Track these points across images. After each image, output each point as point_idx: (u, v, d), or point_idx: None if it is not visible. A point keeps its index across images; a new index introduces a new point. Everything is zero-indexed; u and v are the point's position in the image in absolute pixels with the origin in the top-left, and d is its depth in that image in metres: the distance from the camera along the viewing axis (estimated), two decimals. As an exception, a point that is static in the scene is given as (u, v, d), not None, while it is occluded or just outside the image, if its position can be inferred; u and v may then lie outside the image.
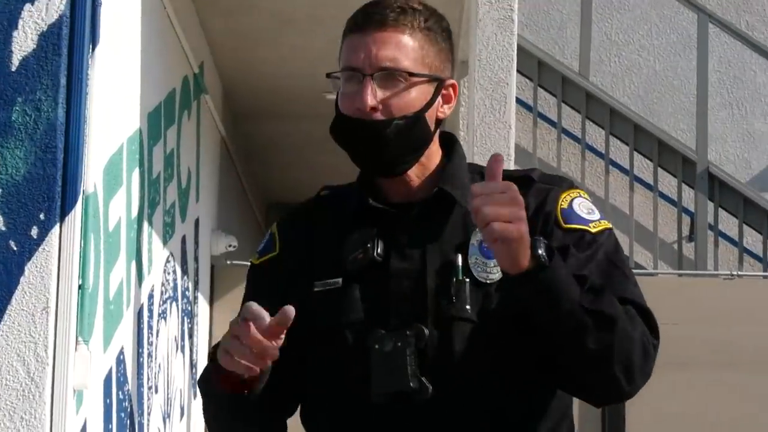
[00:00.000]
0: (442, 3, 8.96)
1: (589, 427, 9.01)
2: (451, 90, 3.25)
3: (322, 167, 13.67)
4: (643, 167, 11.18)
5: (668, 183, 11.21)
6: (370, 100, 3.08)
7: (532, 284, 2.90)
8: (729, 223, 11.42)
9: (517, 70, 8.19)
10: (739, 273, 10.51)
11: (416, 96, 3.13)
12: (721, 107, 12.54)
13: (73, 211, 5.49)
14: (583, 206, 3.19)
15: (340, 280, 3.16)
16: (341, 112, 3.17)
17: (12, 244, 5.38)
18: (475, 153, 7.42)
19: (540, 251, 2.90)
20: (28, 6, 5.63)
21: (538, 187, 3.20)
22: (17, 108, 5.58)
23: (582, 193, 3.25)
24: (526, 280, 2.89)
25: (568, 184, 3.26)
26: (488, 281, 3.10)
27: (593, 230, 3.14)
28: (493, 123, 7.43)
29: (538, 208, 3.16)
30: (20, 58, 5.63)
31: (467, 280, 3.07)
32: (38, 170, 5.47)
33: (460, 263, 3.08)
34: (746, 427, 8.98)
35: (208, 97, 9.68)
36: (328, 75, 3.22)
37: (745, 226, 11.27)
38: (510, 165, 7.48)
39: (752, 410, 9.01)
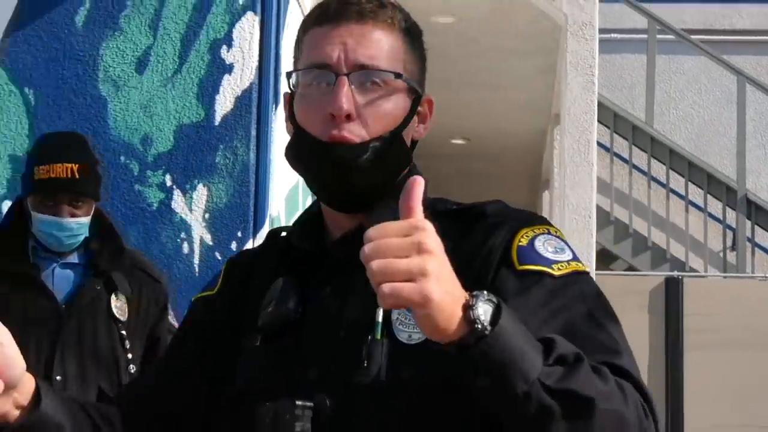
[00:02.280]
0: (538, 72, 8.98)
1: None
2: (426, 106, 2.07)
3: (449, 194, 13.65)
4: (696, 194, 11.02)
5: (715, 206, 11.07)
6: (346, 104, 1.92)
7: (466, 360, 1.68)
8: (763, 237, 11.27)
9: (597, 120, 8.17)
10: (773, 275, 10.40)
11: (394, 108, 1.97)
12: (755, 148, 12.35)
13: (261, 230, 5.57)
14: (548, 244, 1.91)
15: (259, 338, 1.99)
16: (302, 130, 1.98)
17: (217, 254, 5.48)
18: (566, 185, 7.37)
19: (477, 313, 1.67)
20: (227, 76, 5.70)
21: (489, 222, 1.94)
22: (219, 153, 5.65)
23: (553, 229, 1.96)
24: (458, 352, 1.69)
25: (536, 221, 1.97)
26: (410, 341, 1.87)
27: (557, 272, 1.86)
28: (579, 162, 7.38)
29: (479, 246, 1.91)
30: (221, 115, 5.68)
31: (384, 340, 1.78)
32: (236, 200, 5.56)
33: (380, 318, 1.78)
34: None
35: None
36: (289, 74, 2.04)
37: (776, 239, 11.14)
38: (592, 195, 7.40)
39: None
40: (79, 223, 4.07)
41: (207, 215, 5.65)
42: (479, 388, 1.70)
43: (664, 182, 10.99)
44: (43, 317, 4.03)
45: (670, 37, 11.40)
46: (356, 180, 1.95)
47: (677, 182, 11.08)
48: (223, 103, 5.70)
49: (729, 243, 11.19)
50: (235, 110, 5.69)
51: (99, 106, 5.73)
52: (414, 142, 2.06)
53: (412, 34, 2.04)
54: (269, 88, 5.75)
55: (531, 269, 1.86)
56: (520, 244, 1.88)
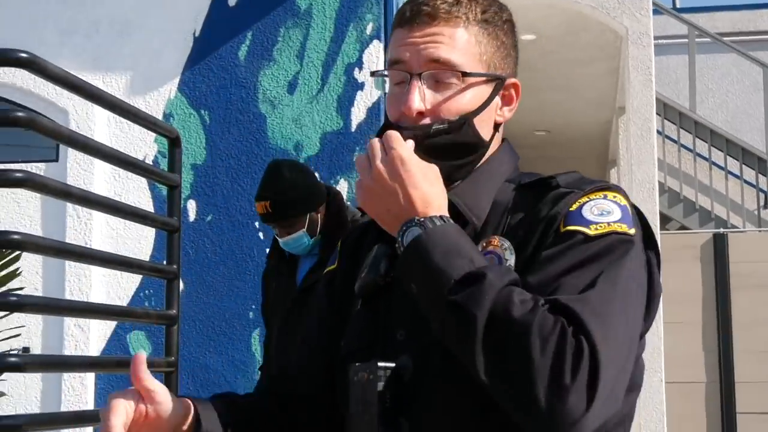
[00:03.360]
0: (603, 74, 8.84)
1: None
2: (512, 90, 1.75)
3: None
4: (733, 165, 10.79)
5: (749, 174, 10.83)
6: (417, 103, 1.65)
7: (401, 252, 1.55)
8: (790, 197, 11.01)
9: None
10: (799, 228, 10.16)
11: (471, 99, 1.68)
12: (780, 125, 12.07)
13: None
14: (598, 207, 1.58)
15: (359, 303, 1.73)
16: (387, 119, 1.72)
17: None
18: (633, 163, 7.23)
19: (404, 237, 1.54)
20: (359, 92, 5.65)
21: (555, 193, 1.63)
22: (356, 153, 5.60)
23: (611, 194, 1.61)
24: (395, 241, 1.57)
25: (599, 187, 1.63)
26: None
27: (592, 232, 1.54)
28: (642, 145, 7.20)
29: (545, 214, 1.60)
30: (356, 123, 5.64)
31: None
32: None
33: None
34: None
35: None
36: (373, 73, 1.79)
37: (800, 198, 10.86)
38: (654, 172, 7.24)
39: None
40: (294, 239, 3.99)
41: (348, 203, 5.60)
42: (407, 286, 1.54)
43: (707, 156, 10.79)
44: (283, 299, 4.05)
45: (707, 39, 11.16)
46: (424, 156, 1.61)
47: (717, 156, 10.86)
48: (358, 114, 5.65)
49: (762, 203, 10.94)
50: (367, 119, 5.64)
51: (260, 122, 5.71)
52: (497, 125, 1.73)
53: (490, 23, 1.70)
54: (393, 99, 5.70)
55: (569, 230, 1.55)
56: (571, 210, 1.57)
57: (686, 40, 11.10)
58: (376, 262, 1.69)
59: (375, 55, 5.67)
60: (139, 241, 5.76)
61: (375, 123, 5.61)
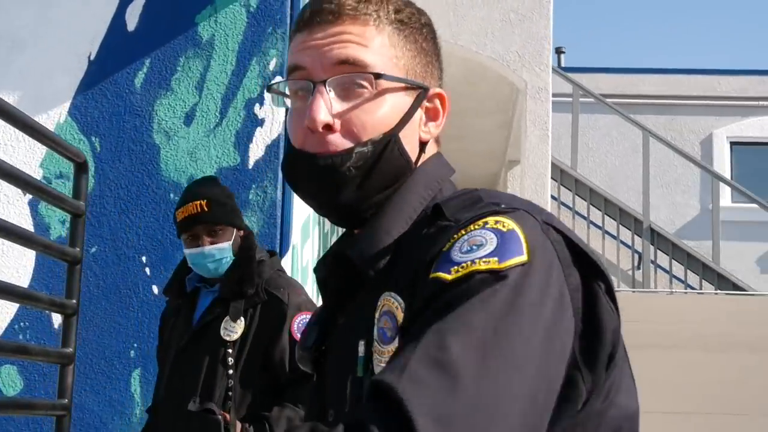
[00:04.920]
0: (496, 127, 8.84)
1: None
2: (437, 102, 1.45)
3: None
4: (610, 225, 10.95)
5: (625, 234, 11.02)
6: (323, 115, 1.33)
7: None
8: (663, 259, 11.20)
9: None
10: (672, 290, 10.36)
11: (389, 110, 1.36)
12: (656, 188, 12.33)
13: (285, 255, 5.38)
14: (471, 242, 1.19)
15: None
16: (290, 146, 1.42)
17: (250, 275, 5.26)
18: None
19: None
20: (259, 129, 5.49)
21: (436, 228, 1.28)
22: (252, 191, 5.44)
23: (494, 219, 1.21)
24: None
25: (482, 214, 1.23)
26: None
27: (450, 277, 1.16)
28: (537, 199, 7.25)
29: (418, 259, 1.26)
30: (254, 160, 5.48)
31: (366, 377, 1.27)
32: (265, 230, 5.36)
33: (361, 352, 1.29)
34: (686, 386, 8.62)
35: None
36: (269, 88, 1.46)
37: (673, 261, 11.04)
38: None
39: (689, 376, 8.65)
40: (219, 249, 3.75)
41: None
42: None
43: (585, 215, 10.92)
44: (179, 338, 3.79)
45: (590, 99, 11.34)
46: (342, 191, 1.34)
47: (595, 215, 11.02)
48: (256, 151, 5.48)
49: (636, 263, 11.12)
50: (265, 156, 5.48)
51: (153, 153, 5.48)
52: (423, 143, 1.42)
53: (406, 24, 1.41)
54: (293, 138, 5.56)
55: (430, 278, 1.18)
56: (444, 250, 1.21)
57: (570, 99, 11.25)
58: (309, 333, 1.43)
59: (277, 92, 5.51)
60: (17, 270, 5.43)
61: (274, 161, 5.44)
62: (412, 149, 1.40)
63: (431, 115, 1.44)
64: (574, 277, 1.22)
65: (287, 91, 1.42)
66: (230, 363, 3.63)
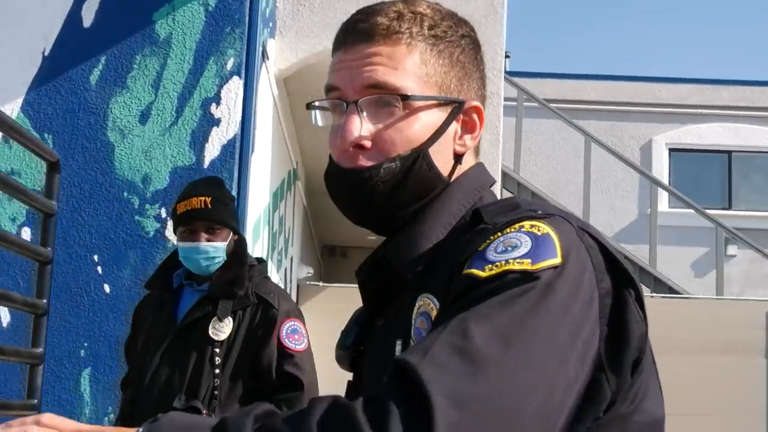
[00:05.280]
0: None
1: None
2: (474, 115, 1.46)
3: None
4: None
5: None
6: (354, 134, 1.40)
7: None
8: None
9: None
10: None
11: (421, 127, 1.41)
12: (596, 192, 12.43)
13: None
14: (505, 243, 1.25)
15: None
16: (331, 159, 1.48)
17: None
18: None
19: None
20: (215, 128, 5.47)
21: (473, 232, 1.33)
22: (207, 191, 5.41)
23: (530, 223, 1.26)
24: None
25: (519, 218, 1.28)
26: None
27: (485, 274, 1.21)
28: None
29: (455, 261, 1.30)
30: (209, 160, 5.45)
31: None
32: (220, 230, 5.30)
33: (398, 352, 1.35)
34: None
35: (299, 182, 9.53)
36: (308, 105, 1.52)
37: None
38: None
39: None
40: (214, 247, 3.74)
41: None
42: None
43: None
44: (163, 333, 3.75)
45: (534, 104, 11.41)
46: (373, 204, 1.41)
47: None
48: (211, 150, 5.46)
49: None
50: (221, 156, 5.46)
51: (107, 151, 5.44)
52: (458, 156, 1.45)
53: (441, 38, 1.44)
54: (250, 138, 5.54)
55: (463, 275, 1.24)
56: (479, 250, 1.26)
57: (514, 103, 11.34)
58: (347, 333, 1.49)
59: (234, 92, 5.49)
60: (-33, 268, 5.36)
61: (229, 161, 5.42)
62: (445, 162, 1.44)
63: (468, 128, 1.47)
64: (605, 283, 1.26)
65: (327, 105, 1.47)
66: (217, 362, 3.63)
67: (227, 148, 5.46)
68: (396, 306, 1.40)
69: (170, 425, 1.15)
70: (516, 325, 1.14)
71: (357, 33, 1.43)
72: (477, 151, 1.52)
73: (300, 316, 3.80)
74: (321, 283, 9.55)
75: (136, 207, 5.41)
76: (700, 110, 15.74)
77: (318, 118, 1.50)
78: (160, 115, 5.46)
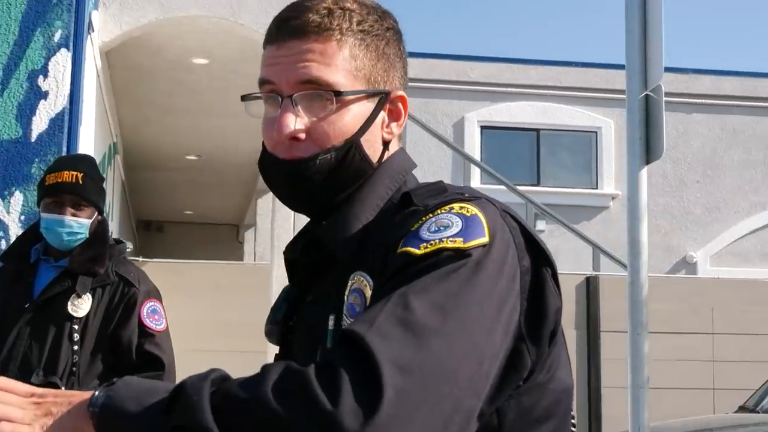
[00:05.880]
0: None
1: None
2: (399, 104, 1.55)
3: (181, 199, 13.42)
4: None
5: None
6: (290, 127, 1.46)
7: None
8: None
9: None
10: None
11: (352, 118, 1.49)
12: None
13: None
14: (437, 223, 1.35)
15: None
16: (264, 147, 1.54)
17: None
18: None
19: (94, 403, 1.20)
20: (43, 101, 5.39)
21: (404, 213, 1.43)
22: (35, 165, 5.35)
23: (459, 205, 1.37)
24: None
25: (448, 200, 1.39)
26: None
27: (420, 252, 1.31)
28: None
29: (387, 241, 1.40)
30: (37, 134, 5.37)
31: None
32: (49, 204, 5.23)
33: (331, 326, 1.43)
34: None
35: (118, 156, 9.41)
36: (244, 97, 1.57)
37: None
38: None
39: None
40: (79, 223, 3.68)
41: (22, 217, 5.33)
42: None
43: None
44: (19, 307, 3.67)
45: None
46: (309, 192, 1.50)
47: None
48: (39, 124, 5.36)
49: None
50: (49, 130, 5.37)
51: (-72, 123, 5.26)
52: (386, 143, 1.55)
53: (369, 33, 1.52)
54: (79, 111, 5.47)
55: (398, 253, 1.33)
56: (412, 229, 1.35)
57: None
58: (277, 309, 1.57)
59: (62, 64, 5.40)
60: None
61: (58, 134, 5.34)
62: (375, 149, 1.54)
63: (393, 116, 1.56)
64: (526, 261, 1.38)
65: (260, 97, 1.52)
66: (76, 339, 3.61)
67: (55, 122, 5.37)
68: (327, 283, 1.48)
69: (127, 389, 1.20)
70: (452, 298, 1.25)
71: (289, 29, 1.49)
72: (399, 137, 1.62)
73: (159, 297, 3.82)
74: (141, 258, 9.44)
75: (-40, 180, 5.28)
76: (509, 89, 16.22)
77: (251, 109, 1.55)
78: (-16, 87, 5.33)
